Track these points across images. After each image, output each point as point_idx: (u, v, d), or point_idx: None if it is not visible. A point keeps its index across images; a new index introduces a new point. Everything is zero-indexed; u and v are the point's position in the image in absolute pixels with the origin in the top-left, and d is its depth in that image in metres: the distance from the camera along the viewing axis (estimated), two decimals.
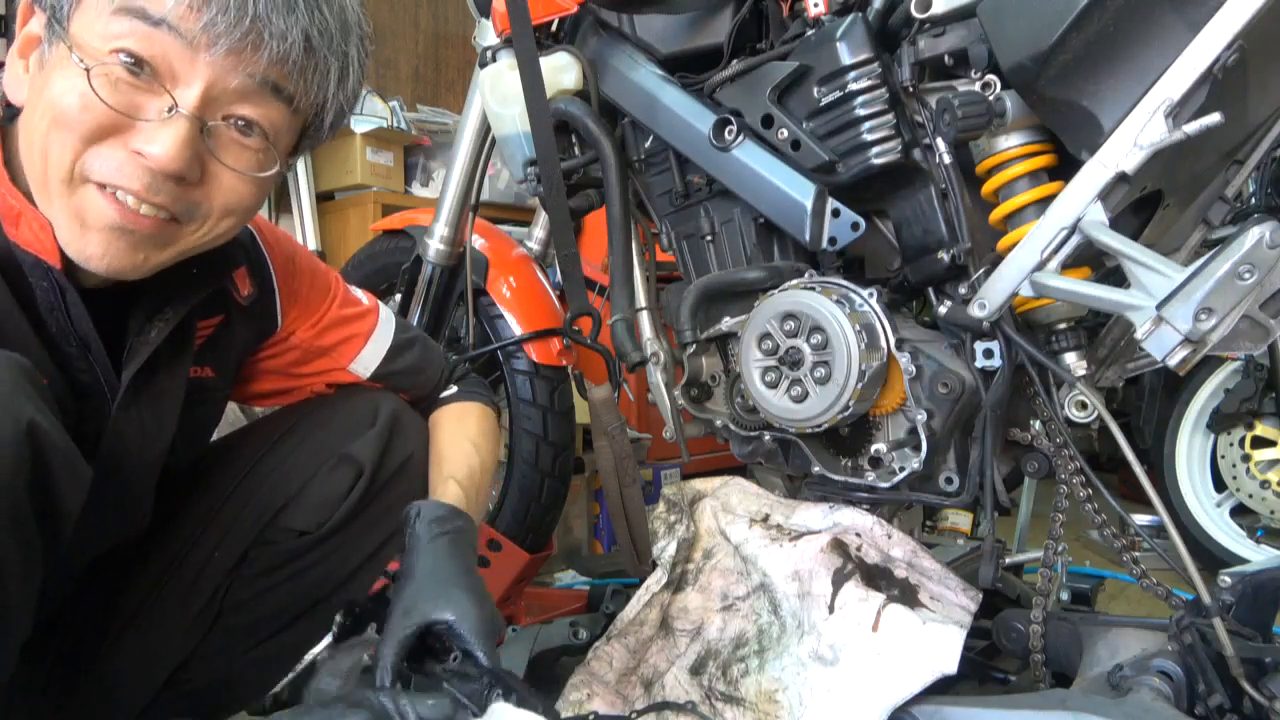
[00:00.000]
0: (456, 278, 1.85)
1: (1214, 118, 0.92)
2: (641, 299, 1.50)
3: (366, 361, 1.11)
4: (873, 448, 1.26)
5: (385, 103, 3.25)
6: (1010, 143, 1.11)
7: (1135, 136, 0.97)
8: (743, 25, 1.31)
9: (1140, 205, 1.12)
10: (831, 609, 1.11)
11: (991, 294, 1.07)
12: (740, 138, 1.28)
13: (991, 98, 1.05)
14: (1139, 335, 0.94)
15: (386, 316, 1.14)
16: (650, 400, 1.50)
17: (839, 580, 1.12)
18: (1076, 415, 1.11)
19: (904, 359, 1.19)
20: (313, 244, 3.07)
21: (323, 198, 3.16)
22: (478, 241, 1.82)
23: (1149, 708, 0.92)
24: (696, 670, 1.15)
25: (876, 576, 1.16)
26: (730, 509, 1.30)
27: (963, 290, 1.17)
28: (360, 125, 3.05)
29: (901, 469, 1.23)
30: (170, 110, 0.75)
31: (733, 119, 1.28)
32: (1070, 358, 1.12)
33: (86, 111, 0.74)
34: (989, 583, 1.15)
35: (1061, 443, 1.11)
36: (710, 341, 1.40)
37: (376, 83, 3.46)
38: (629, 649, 1.23)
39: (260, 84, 0.78)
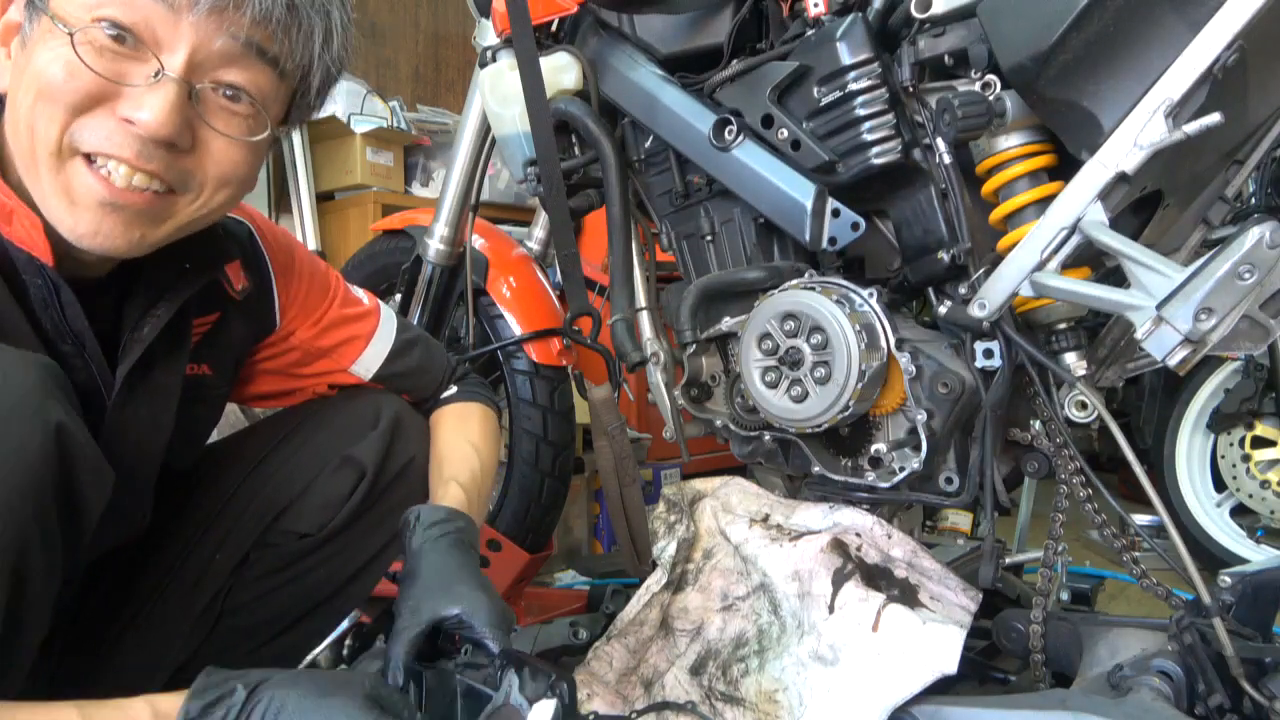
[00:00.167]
0: (456, 278, 1.85)
1: (1214, 118, 0.92)
2: (641, 299, 1.50)
3: (368, 363, 1.11)
4: (873, 448, 1.26)
5: (385, 103, 3.25)
6: (1010, 143, 1.11)
7: (1135, 136, 0.97)
8: (743, 25, 1.31)
9: (1140, 205, 1.12)
10: (831, 609, 1.11)
11: (991, 294, 1.07)
12: (740, 138, 1.28)
13: (991, 98, 1.05)
14: (1139, 335, 0.94)
15: (388, 317, 1.14)
16: (650, 400, 1.50)
17: (839, 580, 1.12)
18: (1076, 415, 1.11)
19: (904, 359, 1.19)
20: (313, 244, 3.07)
21: (323, 198, 3.16)
22: (478, 241, 1.82)
23: (1149, 708, 0.92)
24: (696, 670, 1.15)
25: (876, 576, 1.16)
26: (730, 509, 1.30)
27: (963, 290, 1.17)
28: (360, 125, 3.05)
29: (901, 469, 1.23)
30: (157, 75, 0.75)
31: (733, 119, 1.28)
32: (1070, 358, 1.12)
33: (72, 79, 0.73)
34: (989, 583, 1.15)
35: (1061, 443, 1.11)
36: (710, 341, 1.40)
37: (376, 83, 3.46)
38: (629, 649, 1.23)
39: (245, 46, 0.78)
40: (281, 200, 3.14)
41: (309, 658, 0.86)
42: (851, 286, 1.22)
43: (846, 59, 1.17)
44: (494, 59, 1.53)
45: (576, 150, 1.48)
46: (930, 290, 1.23)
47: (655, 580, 1.30)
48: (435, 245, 1.82)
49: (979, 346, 1.15)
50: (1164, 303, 0.91)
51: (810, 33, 1.23)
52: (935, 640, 1.03)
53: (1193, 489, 2.42)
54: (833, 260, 1.32)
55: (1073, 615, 1.16)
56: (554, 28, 1.51)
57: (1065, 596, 1.48)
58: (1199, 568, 1.00)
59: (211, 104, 0.79)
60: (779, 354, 1.23)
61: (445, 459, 1.06)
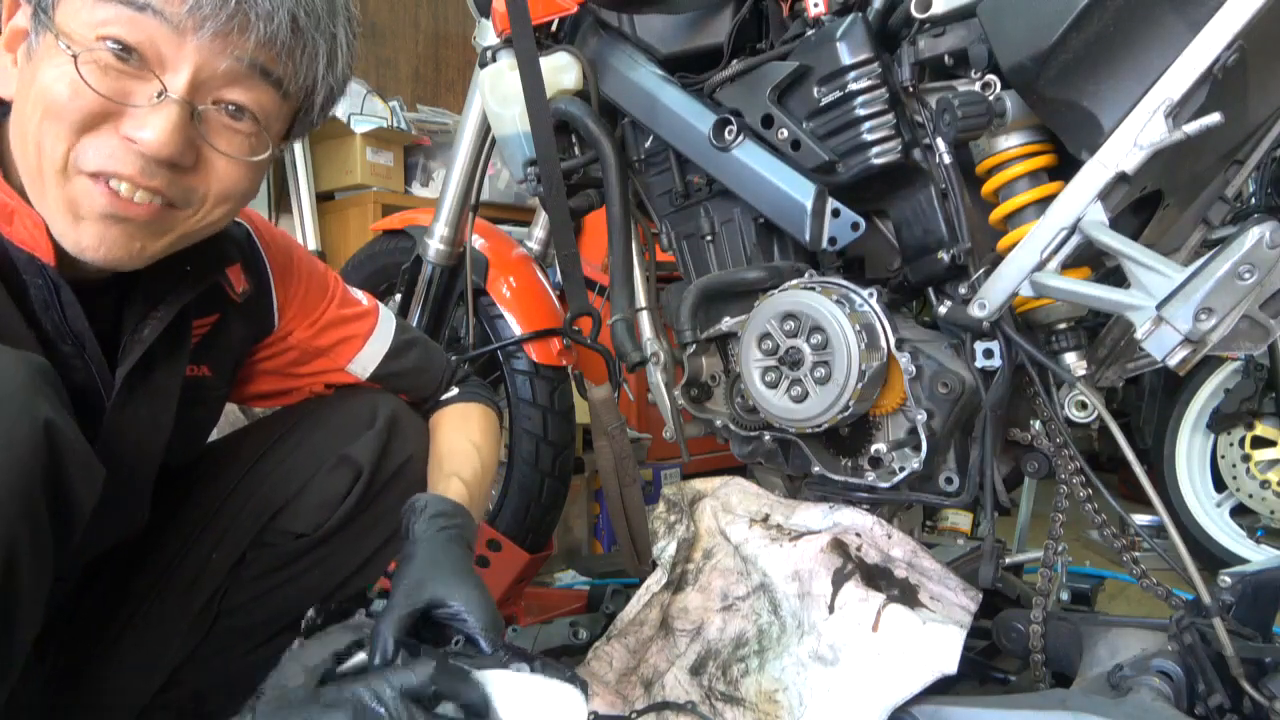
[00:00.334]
0: (456, 278, 1.85)
1: (1214, 118, 0.92)
2: (641, 299, 1.50)
3: (365, 362, 1.11)
4: (873, 448, 1.26)
5: (385, 103, 3.25)
6: (1010, 143, 1.11)
7: (1135, 136, 0.97)
8: (743, 25, 1.31)
9: (1140, 205, 1.12)
10: (831, 609, 1.11)
11: (991, 294, 1.07)
12: (740, 138, 1.28)
13: (991, 98, 1.05)
14: (1139, 335, 0.94)
15: (386, 318, 1.14)
16: (650, 400, 1.50)
17: (839, 580, 1.12)
18: (1076, 415, 1.11)
19: (904, 359, 1.19)
20: (313, 244, 3.07)
21: (323, 198, 3.16)
22: (478, 241, 1.82)
23: (1149, 708, 0.92)
24: (696, 670, 1.15)
25: (876, 576, 1.16)
26: (730, 509, 1.30)
27: (963, 290, 1.17)
28: (360, 125, 3.05)
29: (901, 469, 1.23)
30: (160, 95, 0.75)
31: (733, 119, 1.28)
32: (1070, 358, 1.12)
33: (76, 99, 0.74)
34: (989, 583, 1.15)
35: (1061, 443, 1.11)
36: (710, 341, 1.40)
37: (376, 83, 3.46)
38: (629, 649, 1.23)
39: (249, 67, 0.78)
40: (281, 200, 3.14)
41: (283, 658, 0.84)
42: (851, 286, 1.22)
43: (846, 59, 1.17)
44: (494, 59, 1.53)
45: (576, 150, 1.48)
46: (930, 290, 1.23)
47: (655, 580, 1.30)
48: (435, 245, 1.82)
49: (979, 346, 1.15)
50: (1164, 303, 0.91)
51: (810, 33, 1.23)
52: (935, 640, 1.03)
53: (1193, 489, 2.42)
54: (833, 260, 1.32)
55: (1073, 615, 1.16)
56: (554, 28, 1.51)
57: (1065, 596, 1.48)
58: (1199, 568, 1.00)
59: (214, 123, 0.80)
60: (779, 354, 1.23)
61: (446, 456, 1.06)
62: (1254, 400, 2.28)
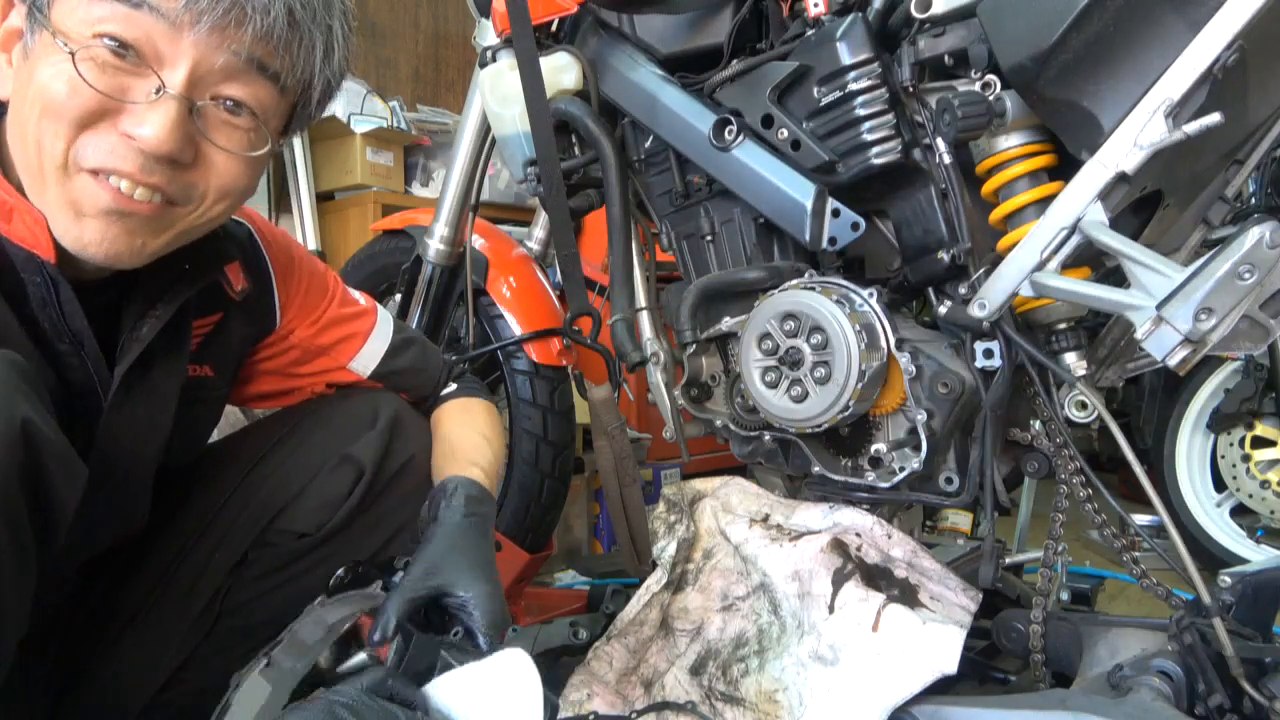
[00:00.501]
0: (456, 278, 1.85)
1: (1214, 118, 0.92)
2: (641, 299, 1.50)
3: (366, 360, 1.11)
4: (873, 448, 1.26)
5: (385, 103, 3.25)
6: (1010, 143, 1.11)
7: (1135, 136, 0.97)
8: (743, 25, 1.31)
9: (1140, 205, 1.12)
10: (831, 609, 1.11)
11: (991, 294, 1.07)
12: (740, 138, 1.28)
13: (991, 98, 1.05)
14: (1139, 335, 0.94)
15: (385, 316, 1.15)
16: (650, 400, 1.50)
17: (839, 580, 1.12)
18: (1076, 415, 1.11)
19: (904, 359, 1.19)
20: (313, 244, 3.07)
21: (323, 198, 3.16)
22: (478, 241, 1.82)
23: (1149, 708, 0.92)
24: (696, 670, 1.15)
25: (876, 576, 1.16)
26: (730, 509, 1.30)
27: (963, 290, 1.17)
28: (360, 125, 3.05)
29: (901, 469, 1.23)
30: (158, 91, 0.75)
31: (733, 119, 1.28)
32: (1070, 358, 1.12)
33: (74, 96, 0.74)
34: (989, 583, 1.15)
35: (1061, 443, 1.11)
36: (710, 341, 1.40)
37: (376, 83, 3.46)
38: (629, 649, 1.23)
39: (246, 61, 0.78)
40: (281, 200, 3.14)
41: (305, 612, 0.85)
42: (851, 286, 1.22)
43: (846, 59, 1.17)
44: (494, 59, 1.53)
45: (576, 150, 1.48)
46: (930, 290, 1.23)
47: (655, 580, 1.30)
48: (435, 245, 1.82)
49: (979, 346, 1.15)
50: (1164, 303, 0.91)
51: (810, 33, 1.23)
52: (935, 640, 1.03)
53: (1193, 489, 2.42)
54: (833, 260, 1.32)
55: (1073, 615, 1.16)
56: (554, 28, 1.51)
57: (1065, 596, 1.48)
58: (1199, 568, 1.00)
59: (213, 119, 0.80)
60: (779, 354, 1.23)
61: (461, 446, 1.06)
62: (1254, 400, 2.28)
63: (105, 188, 0.76)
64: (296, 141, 3.03)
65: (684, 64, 1.38)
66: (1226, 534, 2.37)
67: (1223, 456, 2.38)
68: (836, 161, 1.21)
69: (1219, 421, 2.37)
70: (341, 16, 0.85)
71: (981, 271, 1.12)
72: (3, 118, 0.81)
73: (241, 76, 0.79)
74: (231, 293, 0.98)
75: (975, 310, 1.08)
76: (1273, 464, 2.30)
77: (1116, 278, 1.01)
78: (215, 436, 1.11)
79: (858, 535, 1.20)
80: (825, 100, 1.20)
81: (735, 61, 1.31)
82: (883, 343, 1.20)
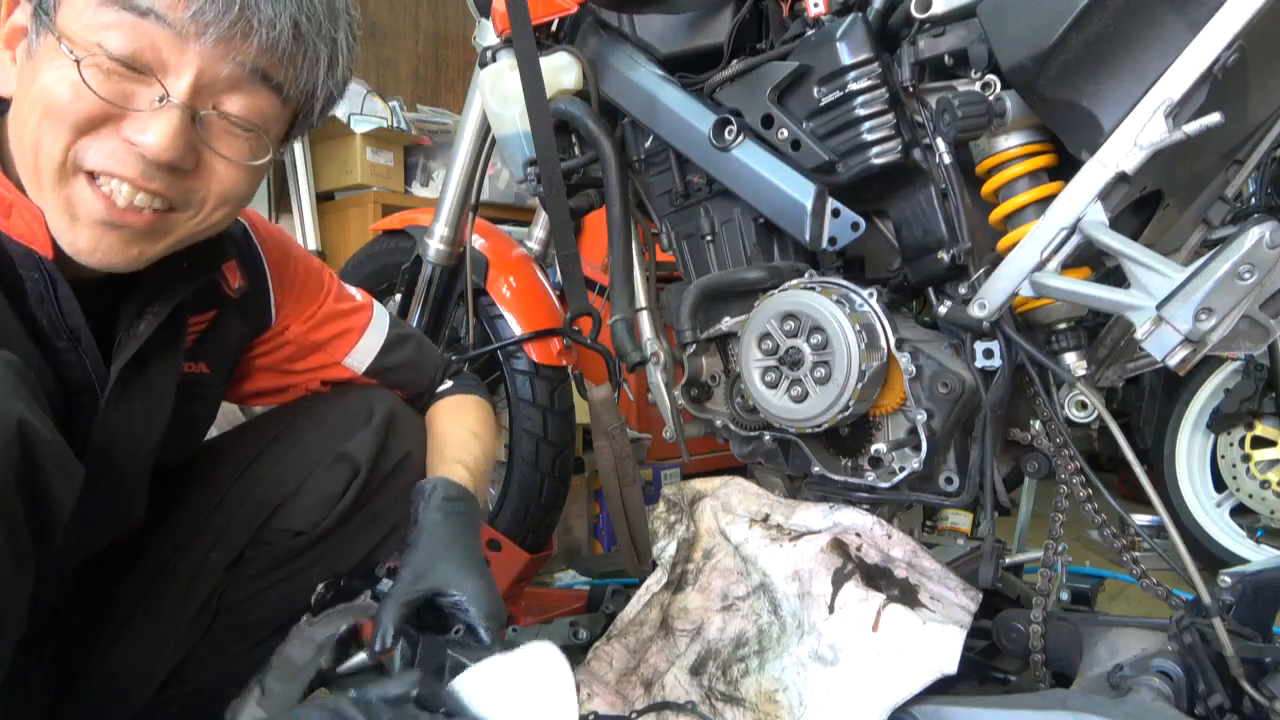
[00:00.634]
0: (456, 278, 1.85)
1: (1214, 118, 0.92)
2: (641, 299, 1.50)
3: (361, 356, 1.11)
4: (873, 448, 1.26)
5: (385, 103, 3.25)
6: (1010, 143, 1.11)
7: (1135, 136, 0.97)
8: (743, 25, 1.31)
9: (1140, 205, 1.12)
10: (831, 609, 1.11)
11: (991, 294, 1.07)
12: (740, 138, 1.28)
13: (991, 98, 1.05)
14: (1139, 335, 0.94)
15: (380, 312, 1.14)
16: (650, 400, 1.50)
17: (839, 580, 1.12)
18: (1076, 415, 1.11)
19: (904, 359, 1.19)
20: (313, 244, 3.07)
21: (323, 198, 3.16)
22: (478, 241, 1.82)
23: (1149, 708, 0.92)
24: (696, 670, 1.15)
25: (876, 576, 1.16)
26: (730, 509, 1.30)
27: (963, 290, 1.17)
28: (360, 125, 3.05)
29: (901, 469, 1.23)
30: (161, 100, 0.75)
31: (733, 119, 1.28)
32: (1070, 358, 1.12)
33: (77, 101, 0.74)
34: (989, 583, 1.15)
35: (1061, 443, 1.11)
36: (710, 341, 1.40)
37: (376, 83, 3.46)
38: (629, 649, 1.23)
39: (250, 72, 0.78)
40: (281, 200, 3.14)
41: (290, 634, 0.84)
42: (851, 286, 1.22)
43: (846, 59, 1.17)
44: (494, 59, 1.53)
45: (576, 150, 1.48)
46: (930, 290, 1.23)
47: (655, 580, 1.30)
48: (435, 245, 1.82)
49: (979, 346, 1.15)
50: (1164, 303, 0.91)
51: (810, 33, 1.23)
52: (935, 640, 1.03)
53: (1193, 489, 2.42)
54: (833, 260, 1.32)
55: (1073, 615, 1.16)
56: (554, 28, 1.51)
57: (1065, 596, 1.48)
58: (1199, 568, 1.00)
59: (215, 127, 0.80)
60: (779, 354, 1.23)
61: (447, 443, 1.06)
62: (1254, 400, 2.28)
63: (100, 196, 0.76)
64: (297, 142, 3.02)
65: (684, 64, 1.38)
66: (1226, 534, 2.37)
67: (1223, 456, 2.38)
68: (836, 161, 1.21)
69: (1219, 421, 2.37)
70: (347, 28, 0.85)
71: (981, 271, 1.12)
72: (4, 114, 0.81)
73: (245, 87, 0.79)
74: (228, 290, 0.98)
75: (975, 310, 1.08)
76: (1273, 464, 2.30)
77: (1116, 278, 1.01)
78: (213, 434, 1.11)
79: (858, 535, 1.20)
80: (825, 100, 1.20)
81: (735, 61, 1.31)
82: (883, 343, 1.20)
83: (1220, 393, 2.37)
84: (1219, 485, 2.41)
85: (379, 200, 3.02)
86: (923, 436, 1.19)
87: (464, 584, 0.81)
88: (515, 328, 1.79)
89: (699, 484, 1.37)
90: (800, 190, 1.23)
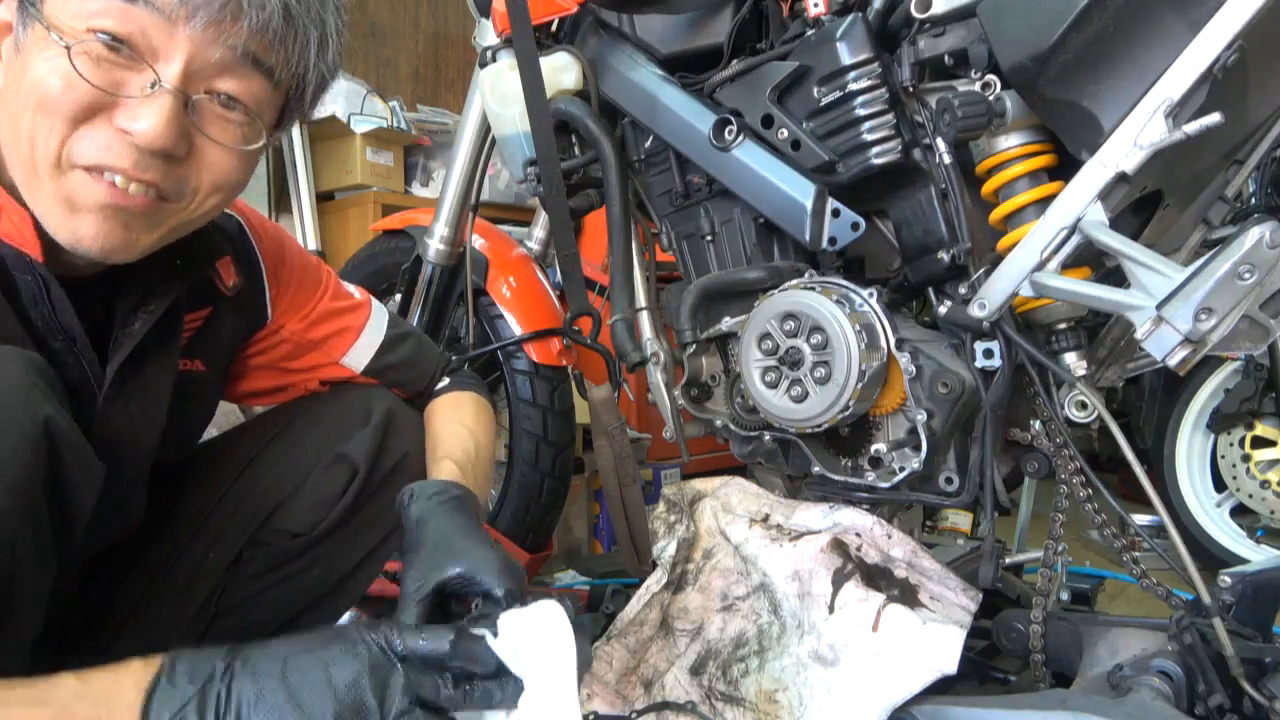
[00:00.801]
0: (456, 278, 1.85)
1: (1214, 118, 0.92)
2: (641, 299, 1.50)
3: (359, 355, 1.10)
4: (873, 448, 1.26)
5: (385, 103, 3.25)
6: (1010, 143, 1.11)
7: (1135, 136, 0.97)
8: (743, 25, 1.31)
9: (1140, 205, 1.12)
10: (831, 609, 1.11)
11: (991, 294, 1.07)
12: (740, 138, 1.28)
13: (991, 98, 1.05)
14: (1139, 335, 0.94)
15: (379, 311, 1.14)
16: (650, 400, 1.50)
17: (839, 580, 1.12)
18: (1076, 415, 1.11)
19: (904, 359, 1.19)
20: (313, 244, 3.07)
21: (323, 198, 3.16)
22: (478, 241, 1.82)
23: (1149, 708, 0.92)
24: (696, 670, 1.15)
25: (876, 576, 1.16)
26: (730, 509, 1.30)
27: (963, 290, 1.17)
28: (360, 125, 3.05)
29: (901, 469, 1.23)
30: (153, 86, 0.75)
31: (733, 119, 1.28)
32: (1070, 358, 1.12)
33: (69, 91, 0.73)
34: (989, 583, 1.15)
35: (1061, 443, 1.11)
36: (710, 341, 1.40)
37: (376, 83, 3.46)
38: (629, 649, 1.23)
39: (241, 56, 0.78)
40: (281, 200, 3.14)
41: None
42: (851, 286, 1.22)
43: (846, 59, 1.17)
44: (494, 59, 1.53)
45: (576, 150, 1.48)
46: (930, 290, 1.23)
47: (655, 580, 1.30)
48: (435, 245, 1.82)
49: (979, 346, 1.15)
50: (1164, 303, 0.91)
51: (810, 33, 1.23)
52: (935, 640, 1.03)
53: (1193, 489, 2.42)
54: (833, 260, 1.32)
55: (1073, 615, 1.16)
56: (554, 28, 1.51)
57: (1065, 596, 1.48)
58: (1199, 568, 1.00)
59: (207, 113, 0.79)
60: (779, 354, 1.23)
61: (439, 441, 1.04)
62: (1254, 400, 2.28)
63: (100, 182, 0.76)
64: (297, 142, 3.03)
65: (684, 64, 1.38)
66: (1226, 534, 2.37)
67: (1223, 456, 2.38)
68: (836, 161, 1.21)
69: (1219, 421, 2.37)
70: (335, 11, 0.85)
71: (981, 271, 1.12)
72: None
73: (236, 71, 0.79)
74: (223, 287, 0.97)
75: (975, 310, 1.08)
76: (1273, 464, 2.30)
77: (1116, 278, 1.01)
78: (212, 434, 1.11)
79: (858, 535, 1.20)
80: (825, 100, 1.20)
81: (735, 61, 1.31)
82: (883, 343, 1.20)
83: (1220, 393, 2.37)
84: (1219, 485, 2.41)
85: (379, 200, 3.02)
86: (923, 436, 1.19)
87: (464, 559, 0.79)
88: (515, 328, 1.79)
89: (699, 484, 1.37)
90: (800, 190, 1.23)
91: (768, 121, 1.26)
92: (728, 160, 1.29)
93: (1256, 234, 0.88)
